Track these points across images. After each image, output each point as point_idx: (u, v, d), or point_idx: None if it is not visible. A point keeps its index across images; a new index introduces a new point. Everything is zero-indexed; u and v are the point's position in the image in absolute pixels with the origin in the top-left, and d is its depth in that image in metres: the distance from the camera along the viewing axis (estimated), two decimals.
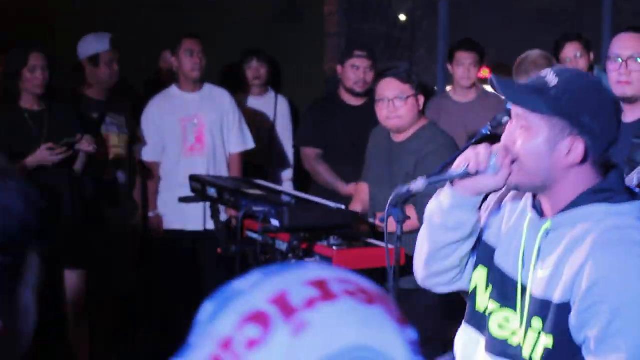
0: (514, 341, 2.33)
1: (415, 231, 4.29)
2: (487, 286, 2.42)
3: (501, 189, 2.38)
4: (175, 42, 5.58)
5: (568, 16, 8.07)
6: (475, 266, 2.46)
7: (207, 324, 1.04)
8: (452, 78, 5.94)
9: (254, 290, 1.04)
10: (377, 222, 4.22)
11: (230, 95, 5.73)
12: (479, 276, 2.44)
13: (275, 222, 3.86)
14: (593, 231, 2.19)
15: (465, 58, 5.74)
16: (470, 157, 2.30)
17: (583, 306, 2.15)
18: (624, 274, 2.12)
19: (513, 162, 2.26)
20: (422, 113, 4.54)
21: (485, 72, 7.01)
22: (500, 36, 7.86)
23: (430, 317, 4.40)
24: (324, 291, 1.02)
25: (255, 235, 4.12)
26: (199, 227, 5.47)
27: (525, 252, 2.32)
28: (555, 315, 2.21)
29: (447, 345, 4.49)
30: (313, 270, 1.06)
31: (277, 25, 7.23)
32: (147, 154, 5.63)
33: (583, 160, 2.23)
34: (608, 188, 2.24)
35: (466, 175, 2.32)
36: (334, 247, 3.94)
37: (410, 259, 4.24)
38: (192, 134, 5.57)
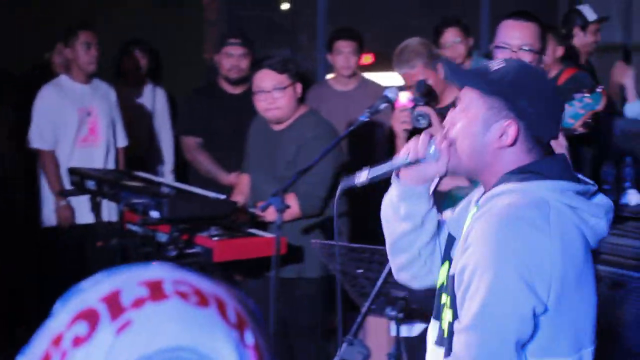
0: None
1: (297, 220, 4.34)
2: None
3: (444, 175, 2.39)
4: (55, 32, 5.49)
5: (447, 1, 8.19)
6: (442, 262, 2.46)
7: (48, 321, 1.04)
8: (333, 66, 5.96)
9: (92, 288, 1.05)
10: (258, 212, 4.22)
11: (112, 88, 5.72)
12: (443, 271, 2.42)
13: (155, 214, 3.82)
14: (491, 207, 2.22)
15: (344, 47, 5.76)
16: (410, 147, 2.34)
17: (457, 273, 2.22)
18: (487, 242, 2.16)
19: (450, 145, 2.30)
20: (301, 101, 4.55)
21: (367, 59, 7.06)
22: (381, 23, 7.93)
23: (311, 305, 4.43)
24: (155, 291, 1.03)
25: (135, 228, 4.07)
26: (89, 219, 5.40)
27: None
28: (450, 288, 2.27)
29: (328, 334, 4.57)
30: (152, 270, 1.06)
31: (157, 14, 7.13)
32: (39, 142, 5.51)
33: (515, 143, 2.26)
34: (530, 170, 2.27)
35: (408, 164, 2.35)
36: (215, 238, 3.92)
37: (292, 248, 4.29)
38: (86, 125, 5.53)
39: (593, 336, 2.26)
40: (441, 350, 2.36)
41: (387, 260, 2.68)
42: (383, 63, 6.72)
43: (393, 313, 3.55)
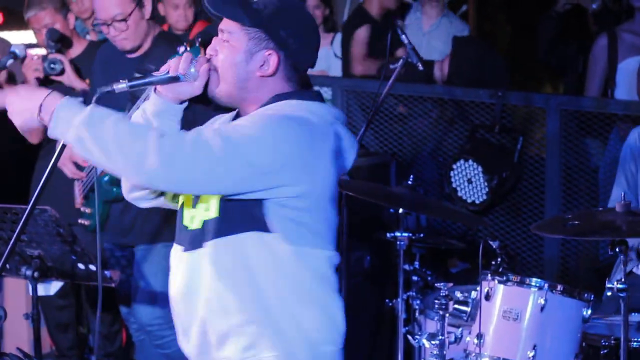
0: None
1: None
2: (192, 203, 2.49)
3: (206, 100, 2.48)
4: None
5: None
6: None
7: None
8: None
9: None
10: None
11: None
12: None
13: None
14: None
15: None
16: (171, 64, 2.43)
17: None
18: (254, 116, 2.41)
19: (213, 71, 2.42)
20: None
21: None
22: None
23: None
24: None
25: None
26: None
27: None
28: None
29: None
30: None
31: None
32: None
33: (276, 72, 2.43)
34: (291, 97, 2.44)
35: (168, 80, 2.43)
36: None
37: None
38: None
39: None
40: (195, 253, 2.45)
41: (20, 219, 2.67)
42: (12, 22, 6.54)
43: (28, 272, 3.54)
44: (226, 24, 2.45)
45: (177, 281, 2.52)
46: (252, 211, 2.39)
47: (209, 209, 2.44)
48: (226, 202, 2.39)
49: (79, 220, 4.21)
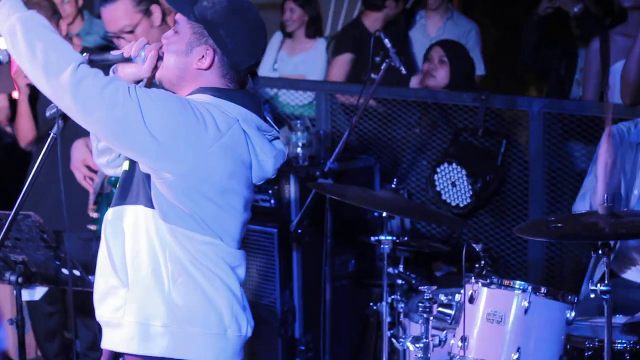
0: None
1: None
2: None
3: (154, 82, 2.71)
4: None
5: None
6: None
7: None
8: None
9: None
10: None
11: None
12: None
13: None
14: None
15: None
16: (126, 46, 2.70)
17: None
18: None
19: (160, 58, 2.67)
20: None
21: None
22: None
23: None
24: None
25: None
26: None
27: None
28: None
29: None
30: None
31: None
32: None
33: (211, 67, 2.65)
34: (222, 94, 2.64)
35: (121, 59, 2.70)
36: None
37: None
38: None
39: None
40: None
41: (3, 225, 2.69)
42: None
43: (13, 278, 3.53)
44: (179, 16, 2.68)
45: None
46: (142, 186, 2.62)
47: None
48: (126, 174, 2.70)
49: (87, 226, 4.21)
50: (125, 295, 2.63)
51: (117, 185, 2.75)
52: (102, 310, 2.69)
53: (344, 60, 6.02)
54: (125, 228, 2.66)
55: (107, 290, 2.67)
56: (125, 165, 2.72)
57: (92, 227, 4.18)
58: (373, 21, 6.05)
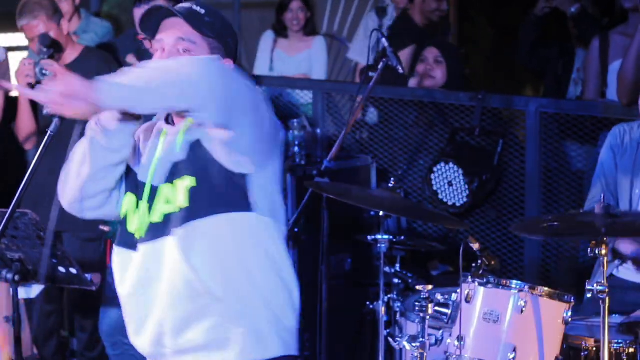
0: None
1: None
2: (137, 208, 2.61)
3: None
4: None
5: None
6: (125, 193, 2.66)
7: None
8: None
9: None
10: None
11: None
12: (129, 202, 2.64)
13: None
14: None
15: None
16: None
17: None
18: None
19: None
20: None
21: None
22: None
23: None
24: None
25: None
26: None
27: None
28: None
29: None
30: None
31: None
32: None
33: None
34: None
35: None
36: None
37: None
38: None
39: None
40: (157, 243, 2.55)
41: (0, 223, 2.68)
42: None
43: (9, 276, 3.53)
44: (188, 34, 2.59)
45: (130, 279, 2.61)
46: (224, 193, 2.50)
47: (171, 202, 2.54)
48: (195, 190, 2.50)
49: (100, 227, 4.21)
50: (221, 310, 2.52)
51: (159, 214, 2.56)
52: (191, 336, 2.53)
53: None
54: (206, 242, 2.50)
55: (190, 316, 2.53)
56: (181, 200, 2.54)
57: (105, 228, 4.17)
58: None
